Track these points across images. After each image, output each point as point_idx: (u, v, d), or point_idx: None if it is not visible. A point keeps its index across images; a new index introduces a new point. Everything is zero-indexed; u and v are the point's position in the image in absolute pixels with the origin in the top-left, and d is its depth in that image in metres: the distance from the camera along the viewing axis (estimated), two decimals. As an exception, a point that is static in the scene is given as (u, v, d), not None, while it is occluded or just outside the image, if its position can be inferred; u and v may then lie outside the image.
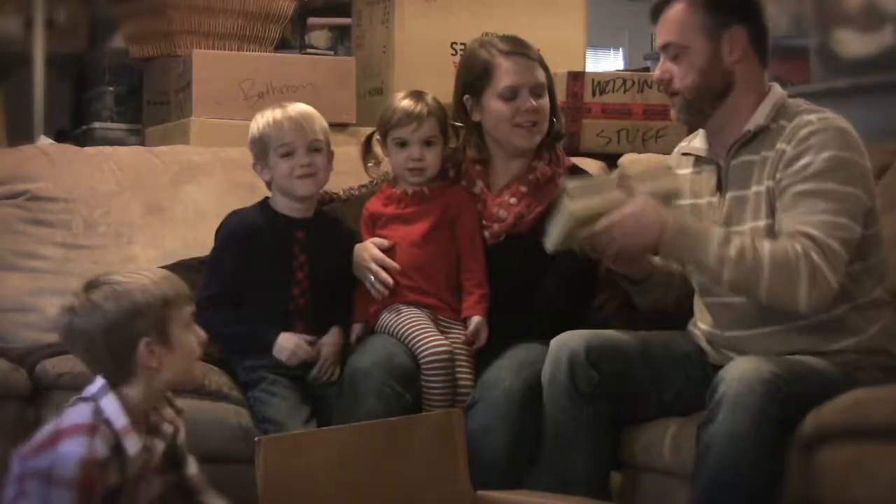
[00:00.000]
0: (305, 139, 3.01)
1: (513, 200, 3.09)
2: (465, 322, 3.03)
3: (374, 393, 2.84)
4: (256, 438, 2.45)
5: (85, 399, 2.41)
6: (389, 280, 3.01)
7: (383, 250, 3.05)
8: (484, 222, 3.11)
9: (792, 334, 2.70)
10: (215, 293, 2.99)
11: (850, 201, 2.63)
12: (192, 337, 2.47)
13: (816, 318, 2.66)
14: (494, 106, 3.09)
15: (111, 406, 2.39)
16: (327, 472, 2.45)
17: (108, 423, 2.38)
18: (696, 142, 2.92)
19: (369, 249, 3.05)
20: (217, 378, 2.96)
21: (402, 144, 3.07)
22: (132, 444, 2.40)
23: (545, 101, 3.11)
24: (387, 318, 3.02)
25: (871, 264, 2.72)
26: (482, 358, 2.99)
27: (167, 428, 2.52)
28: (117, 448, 2.38)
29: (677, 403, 2.77)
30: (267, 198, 3.09)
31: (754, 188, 2.75)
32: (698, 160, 2.90)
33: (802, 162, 2.66)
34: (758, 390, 2.46)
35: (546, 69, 3.14)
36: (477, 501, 2.55)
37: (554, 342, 2.80)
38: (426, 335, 2.95)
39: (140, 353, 2.39)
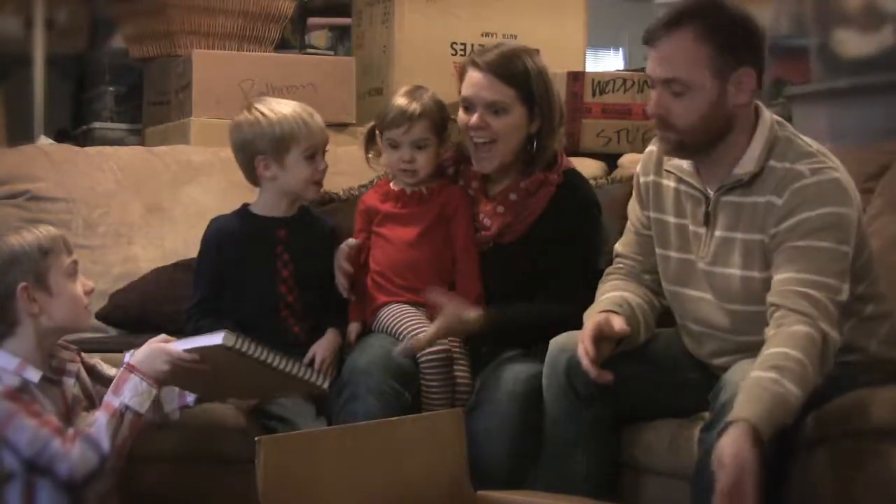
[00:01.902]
0: (325, 142, 3.02)
1: (500, 209, 3.04)
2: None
3: (372, 392, 2.83)
4: (256, 438, 2.45)
5: None
6: (345, 284, 3.02)
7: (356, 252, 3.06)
8: (476, 225, 3.09)
9: None
10: (200, 300, 3.02)
11: (843, 261, 2.53)
12: (74, 284, 2.63)
13: None
14: (459, 114, 3.06)
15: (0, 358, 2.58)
16: (327, 472, 2.45)
17: (2, 370, 2.55)
18: (685, 163, 2.74)
19: (338, 257, 3.05)
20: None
21: (394, 146, 3.05)
22: (32, 374, 2.56)
23: (503, 120, 2.99)
24: (384, 318, 3.01)
25: (862, 289, 2.64)
26: (483, 360, 2.99)
27: (72, 366, 2.67)
28: (26, 382, 2.57)
29: (677, 404, 2.77)
30: (246, 204, 3.08)
31: (742, 235, 2.63)
32: (682, 180, 2.74)
33: (798, 218, 2.53)
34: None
35: (522, 88, 2.99)
36: (477, 501, 2.55)
37: (552, 344, 2.79)
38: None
39: (19, 297, 2.56)
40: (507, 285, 3.01)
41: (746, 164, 2.62)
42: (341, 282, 3.03)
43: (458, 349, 2.97)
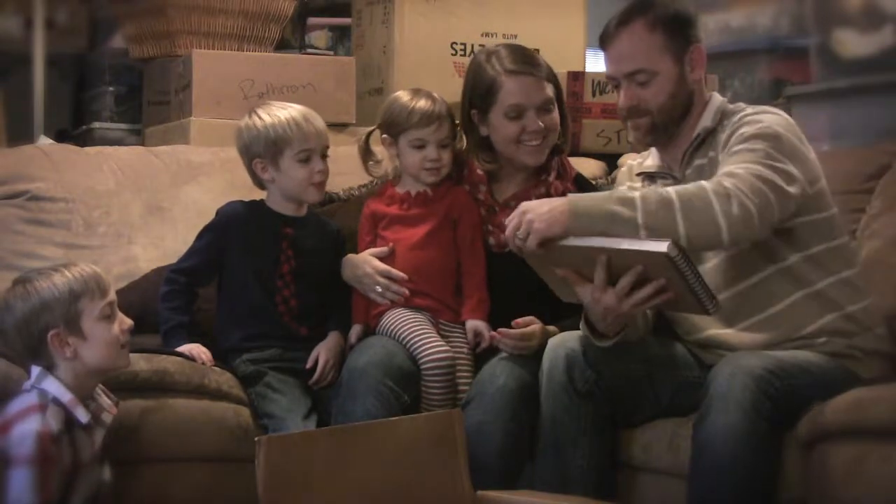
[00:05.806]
0: (322, 145, 3.04)
1: None
2: (464, 325, 3.03)
3: (371, 392, 2.83)
4: (256, 438, 2.45)
5: (26, 390, 2.57)
6: (405, 291, 3.01)
7: (383, 259, 3.04)
8: (490, 228, 3.09)
9: (768, 323, 2.72)
10: (186, 268, 3.06)
11: (778, 162, 2.61)
12: (109, 325, 2.61)
13: (786, 304, 2.69)
14: (500, 124, 3.06)
15: (53, 386, 2.56)
16: (327, 472, 2.45)
17: (55, 400, 2.54)
18: (650, 160, 2.93)
19: (371, 262, 3.03)
20: (217, 377, 2.95)
21: (420, 146, 3.06)
22: (82, 415, 2.57)
23: (553, 114, 3.08)
24: (388, 323, 3.01)
25: (835, 246, 2.74)
26: (480, 355, 2.99)
27: (107, 417, 2.67)
28: (68, 425, 2.54)
29: (675, 404, 2.77)
30: (262, 199, 3.11)
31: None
32: (651, 176, 2.91)
33: (738, 133, 2.69)
34: (749, 386, 2.47)
35: (554, 81, 3.11)
36: (477, 501, 2.55)
37: (551, 341, 2.80)
38: (427, 341, 2.94)
39: (50, 343, 2.56)
40: (523, 283, 2.98)
41: (701, 126, 2.81)
42: (400, 291, 3.01)
43: (464, 357, 2.98)
